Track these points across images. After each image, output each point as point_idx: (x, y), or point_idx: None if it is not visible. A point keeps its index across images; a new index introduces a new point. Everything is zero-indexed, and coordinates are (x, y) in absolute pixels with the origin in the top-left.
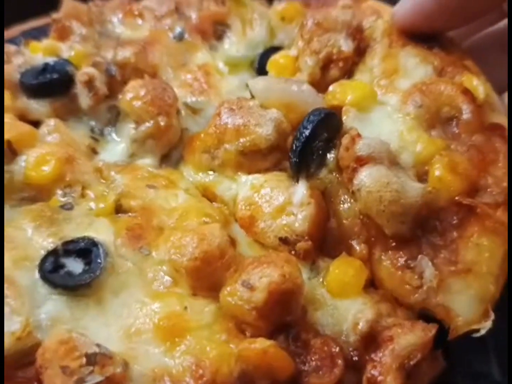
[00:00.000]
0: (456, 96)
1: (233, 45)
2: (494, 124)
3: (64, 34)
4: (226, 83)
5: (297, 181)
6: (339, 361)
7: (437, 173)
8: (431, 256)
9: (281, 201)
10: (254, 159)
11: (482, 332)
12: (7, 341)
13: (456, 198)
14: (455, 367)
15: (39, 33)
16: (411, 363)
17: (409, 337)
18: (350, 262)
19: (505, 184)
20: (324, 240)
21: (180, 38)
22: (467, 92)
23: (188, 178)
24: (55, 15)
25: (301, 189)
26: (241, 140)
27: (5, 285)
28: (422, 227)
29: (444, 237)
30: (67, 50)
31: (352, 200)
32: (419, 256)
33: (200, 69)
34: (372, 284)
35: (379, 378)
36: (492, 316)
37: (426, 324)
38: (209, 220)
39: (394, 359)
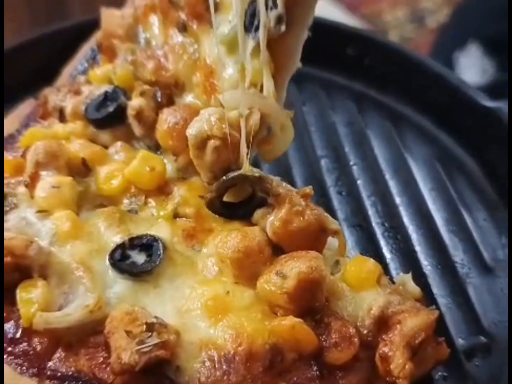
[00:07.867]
0: None
1: None
2: None
3: (111, 54)
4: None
5: None
6: (355, 340)
7: None
8: None
9: None
10: None
11: None
12: (82, 312)
13: None
14: None
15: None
16: (417, 341)
17: (414, 320)
18: (364, 261)
19: None
20: None
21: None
22: None
23: None
24: (98, 36)
25: None
26: None
27: (82, 269)
28: None
29: None
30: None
31: None
32: None
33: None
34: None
35: (390, 353)
36: None
37: (429, 310)
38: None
39: (402, 337)
